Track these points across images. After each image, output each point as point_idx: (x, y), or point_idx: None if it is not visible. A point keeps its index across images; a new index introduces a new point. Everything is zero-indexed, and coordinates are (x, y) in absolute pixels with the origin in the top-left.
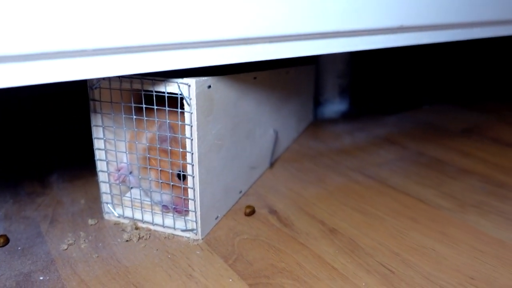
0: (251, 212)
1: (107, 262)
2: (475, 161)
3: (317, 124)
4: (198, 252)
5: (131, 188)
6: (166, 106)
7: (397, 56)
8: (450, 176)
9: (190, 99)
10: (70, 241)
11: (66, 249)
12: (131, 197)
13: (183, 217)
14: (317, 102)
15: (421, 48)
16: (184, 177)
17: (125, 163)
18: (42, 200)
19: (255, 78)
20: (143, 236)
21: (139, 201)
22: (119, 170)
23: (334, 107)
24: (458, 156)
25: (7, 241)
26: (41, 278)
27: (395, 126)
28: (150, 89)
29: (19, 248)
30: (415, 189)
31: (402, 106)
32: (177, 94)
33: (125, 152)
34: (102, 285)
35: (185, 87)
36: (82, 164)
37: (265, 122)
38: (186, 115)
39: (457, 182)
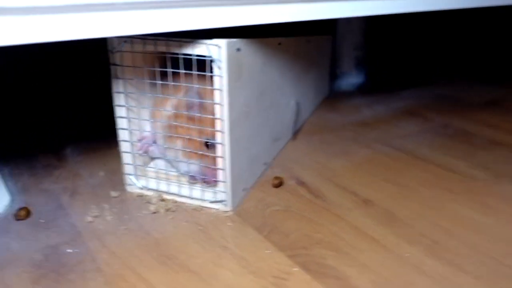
0: (279, 183)
1: (135, 234)
2: (503, 133)
3: (333, 97)
4: (229, 224)
5: (154, 158)
6: (194, 69)
7: (414, 30)
8: (479, 147)
9: (221, 61)
10: (95, 214)
11: (92, 221)
12: (156, 168)
13: (212, 188)
14: (334, 74)
15: (438, 20)
16: (212, 145)
17: (148, 131)
18: (59, 172)
19: (279, 44)
20: (170, 208)
21: (164, 172)
22: (141, 140)
23: (351, 79)
24: (484, 128)
25: (29, 214)
26: (69, 250)
27: (414, 98)
28: (176, 51)
29: (42, 221)
30: (446, 160)
31: (419, 79)
32: (206, 56)
33: (149, 120)
34: (135, 257)
35: (215, 49)
36: (97, 136)
37: (288, 92)
38: (216, 79)
39: (488, 153)
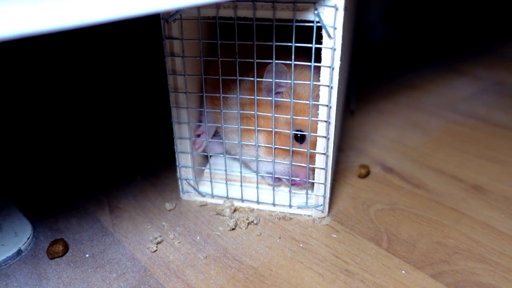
0: (367, 173)
1: (223, 264)
2: None
3: (364, 54)
4: (334, 236)
5: (212, 156)
6: (293, 41)
7: None
8: None
9: (335, 28)
10: (157, 238)
11: (156, 250)
12: (221, 170)
13: (301, 190)
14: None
15: None
16: (303, 138)
17: (204, 124)
18: (80, 179)
19: None
20: (252, 221)
21: (233, 173)
22: (200, 135)
23: (376, 32)
24: None
25: (67, 248)
26: None
27: (448, 53)
28: (267, 16)
29: (87, 255)
30: None
31: (443, 32)
32: (311, 22)
33: (212, 110)
34: None
35: (330, 12)
36: (99, 133)
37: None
38: (325, 52)
39: None
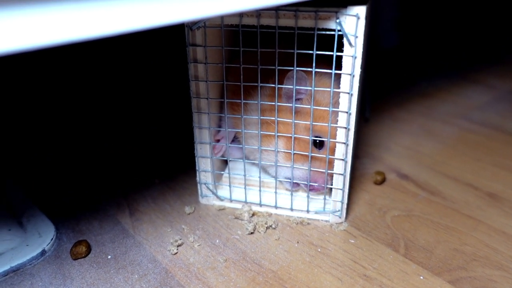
0: (382, 180)
1: (243, 267)
2: None
3: (376, 62)
4: (352, 241)
5: (231, 161)
6: (315, 49)
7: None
8: None
9: (357, 37)
10: (178, 241)
11: (177, 252)
12: (244, 175)
13: (319, 196)
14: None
15: None
16: (322, 144)
17: (224, 129)
18: (101, 181)
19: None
20: (270, 225)
21: (252, 178)
22: (220, 140)
23: (387, 41)
24: None
25: (90, 249)
26: None
27: (461, 62)
28: (289, 24)
29: (109, 256)
30: None
31: (452, 41)
32: (332, 30)
33: (231, 116)
34: None
35: (351, 20)
36: (129, 134)
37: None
38: (346, 60)
39: None
